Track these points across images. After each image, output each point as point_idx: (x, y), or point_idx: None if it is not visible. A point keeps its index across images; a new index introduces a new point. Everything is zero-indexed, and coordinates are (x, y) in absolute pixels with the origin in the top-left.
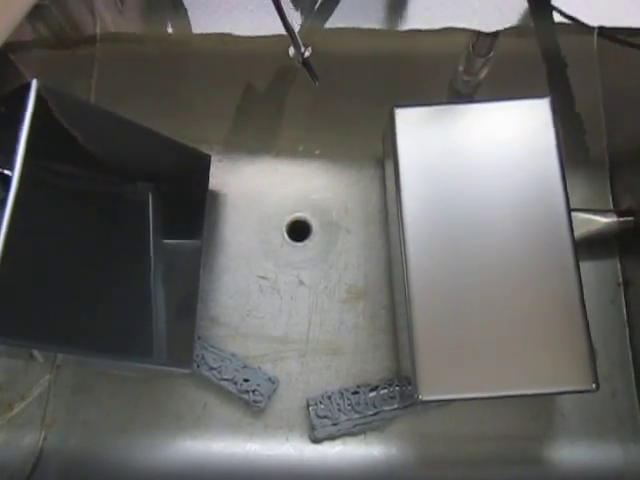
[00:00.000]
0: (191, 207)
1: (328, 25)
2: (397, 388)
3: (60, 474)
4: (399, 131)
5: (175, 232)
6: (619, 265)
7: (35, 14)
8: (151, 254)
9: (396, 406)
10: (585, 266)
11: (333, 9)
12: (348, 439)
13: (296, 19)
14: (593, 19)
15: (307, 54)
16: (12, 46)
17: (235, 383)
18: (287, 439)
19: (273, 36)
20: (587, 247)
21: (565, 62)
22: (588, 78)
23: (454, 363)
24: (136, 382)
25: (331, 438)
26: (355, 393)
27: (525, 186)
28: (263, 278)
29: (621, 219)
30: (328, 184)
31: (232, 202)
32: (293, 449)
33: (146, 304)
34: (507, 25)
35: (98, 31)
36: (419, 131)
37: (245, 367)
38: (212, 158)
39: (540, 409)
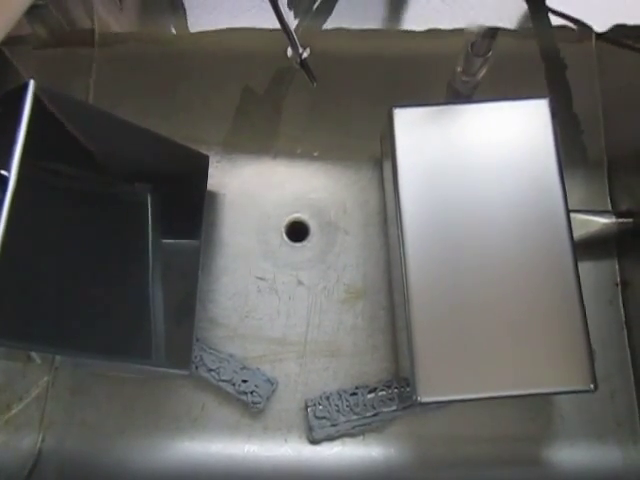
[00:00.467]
0: (189, 208)
1: (326, 25)
2: (396, 389)
3: (58, 475)
4: (397, 131)
5: (173, 233)
6: (617, 266)
7: (33, 14)
8: (149, 255)
9: (395, 407)
10: (584, 267)
11: (331, 9)
12: (347, 440)
13: (294, 19)
14: (591, 20)
15: (305, 55)
16: (10, 46)
17: (233, 384)
18: (286, 440)
19: (272, 36)
20: (586, 248)
21: (564, 63)
22: (587, 79)
23: (453, 364)
24: (134, 383)
25: (330, 439)
26: (354, 394)
27: (524, 187)
28: (261, 279)
29: (619, 220)
30: (327, 185)
31: (231, 203)
32: (292, 450)
33: (144, 305)
34: (506, 25)
35: (96, 31)
36: (418, 131)
37: (243, 368)
38: (210, 159)
39: (539, 410)
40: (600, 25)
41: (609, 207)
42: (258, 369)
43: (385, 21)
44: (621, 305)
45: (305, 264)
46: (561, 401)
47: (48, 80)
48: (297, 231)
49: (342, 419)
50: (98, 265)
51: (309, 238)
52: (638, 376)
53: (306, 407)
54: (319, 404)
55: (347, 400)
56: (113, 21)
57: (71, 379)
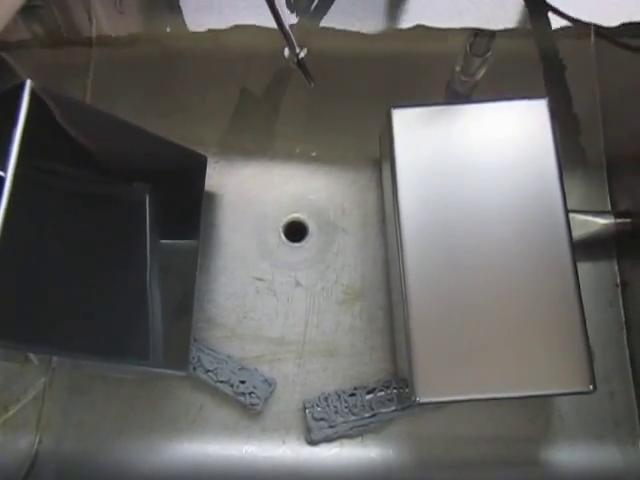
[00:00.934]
0: (188, 208)
1: (324, 25)
2: (394, 390)
3: (55, 477)
4: (396, 132)
5: (172, 233)
6: (617, 266)
7: (31, 14)
8: (147, 255)
9: (393, 408)
10: (583, 267)
11: (328, 9)
12: (345, 441)
13: (291, 19)
14: (590, 18)
15: (302, 55)
16: (7, 46)
17: (231, 385)
18: (284, 441)
19: (269, 36)
20: (585, 248)
21: (563, 63)
22: (586, 79)
23: (451, 365)
24: (132, 384)
25: (328, 440)
26: (352, 395)
27: (523, 187)
28: (260, 279)
29: (619, 220)
30: (325, 185)
31: (229, 203)
32: (290, 451)
33: (142, 305)
34: (504, 25)
35: (94, 31)
36: (416, 132)
37: (241, 369)
38: (208, 159)
39: (538, 411)
40: (599, 24)
41: (608, 207)
42: (256, 370)
43: (383, 21)
44: (621, 306)
45: (303, 264)
46: (560, 401)
47: (45, 80)
48: (295, 231)
49: (340, 420)
50: (95, 265)
51: (307, 238)
52: (637, 377)
53: (304, 408)
54: (317, 405)
55: (345, 401)
56: (111, 21)
57: (68, 380)
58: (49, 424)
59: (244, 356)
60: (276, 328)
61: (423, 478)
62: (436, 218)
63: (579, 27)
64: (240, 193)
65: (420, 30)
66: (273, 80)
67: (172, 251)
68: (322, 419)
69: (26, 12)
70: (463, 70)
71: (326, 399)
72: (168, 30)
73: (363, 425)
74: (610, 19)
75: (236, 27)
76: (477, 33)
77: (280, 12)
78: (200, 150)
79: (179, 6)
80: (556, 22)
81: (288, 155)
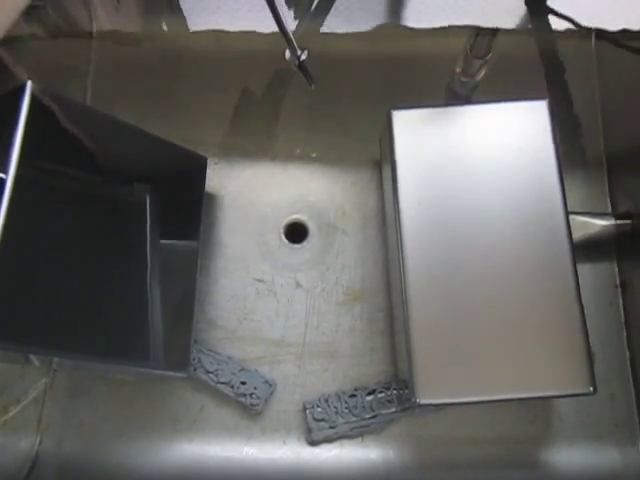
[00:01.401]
0: (188, 209)
1: (324, 27)
2: (394, 391)
3: (56, 477)
4: (396, 133)
5: (172, 234)
6: (617, 268)
7: (31, 14)
8: (148, 256)
9: (393, 409)
10: (583, 269)
11: (329, 10)
12: (345, 442)
13: (292, 21)
14: (591, 22)
15: (303, 57)
16: (7, 46)
17: (232, 386)
18: (284, 442)
19: (270, 38)
20: (585, 250)
21: (563, 64)
22: (586, 80)
23: (452, 366)
24: (133, 385)
25: (328, 441)
26: (352, 396)
27: (523, 188)
28: (260, 281)
29: (619, 222)
30: (325, 186)
31: (229, 204)
32: (290, 452)
33: (143, 307)
34: (505, 27)
35: (94, 31)
36: (416, 133)
37: (242, 370)
38: (209, 160)
39: (538, 412)
40: (599, 26)
41: (608, 209)
42: (256, 371)
43: (383, 22)
44: (621, 307)
45: (304, 265)
46: (560, 403)
47: (45, 80)
48: (296, 232)
49: (341, 421)
50: (96, 266)
51: (308, 239)
52: (637, 378)
53: (305, 409)
54: (318, 406)
55: (346, 402)
56: (112, 21)
57: (69, 381)
58: (50, 425)
59: (244, 357)
60: (276, 329)
61: (423, 479)
62: (436, 219)
63: (580, 29)
64: (240, 194)
65: (420, 32)
66: (274, 81)
67: (172, 252)
68: (322, 420)
69: (26, 12)
70: (463, 71)
71: (326, 400)
72: (169, 31)
73: (363, 426)
74: (611, 24)
75: (237, 28)
76: (478, 34)
77: (281, 14)
78: (200, 151)
79: (180, 7)
80: (557, 23)
81: (289, 156)
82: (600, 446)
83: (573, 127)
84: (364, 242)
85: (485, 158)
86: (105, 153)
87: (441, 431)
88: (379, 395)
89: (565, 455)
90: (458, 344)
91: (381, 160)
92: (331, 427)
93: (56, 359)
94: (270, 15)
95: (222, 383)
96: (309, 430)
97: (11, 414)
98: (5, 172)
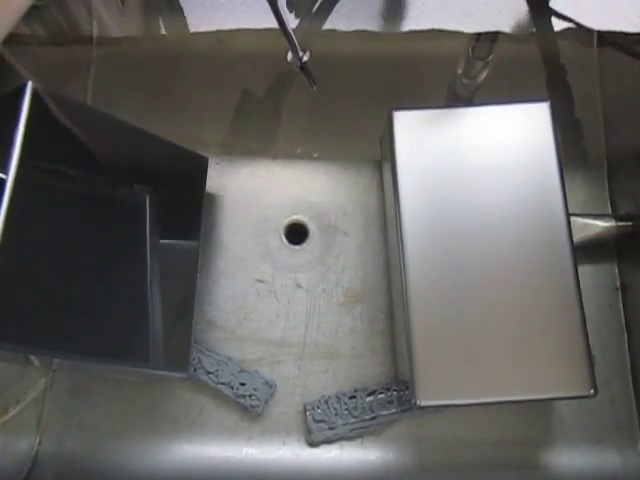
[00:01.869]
0: (188, 209)
1: (326, 27)
2: (395, 393)
3: (56, 478)
4: (397, 134)
5: (172, 234)
6: (617, 270)
7: (33, 14)
8: (148, 256)
9: (394, 411)
10: (583, 270)
11: (330, 11)
12: (345, 443)
13: (294, 21)
14: (593, 24)
15: (305, 58)
16: (8, 45)
17: (232, 387)
18: (284, 443)
19: (271, 37)
20: (585, 252)
21: (565, 66)
22: (587, 83)
23: (452, 368)
24: (132, 385)
25: (328, 442)
26: (352, 397)
27: (524, 190)
28: (260, 281)
29: (619, 224)
30: (326, 187)
31: (229, 204)
32: (290, 453)
33: (142, 307)
34: (507, 29)
35: (95, 31)
36: (418, 134)
37: (242, 371)
38: (209, 160)
39: (538, 414)
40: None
41: (609, 211)
42: (256, 372)
43: (385, 23)
44: (621, 309)
45: (304, 266)
46: (560, 405)
47: (46, 80)
48: (296, 233)
49: (340, 422)
50: (96, 267)
51: (308, 240)
52: (637, 380)
53: (305, 410)
54: (318, 407)
55: (346, 403)
56: (113, 21)
57: (69, 381)
58: (49, 425)
59: (244, 358)
60: (277, 330)
61: None
62: (437, 221)
63: (582, 31)
64: (241, 194)
65: (422, 32)
66: (275, 81)
67: (173, 252)
68: (322, 421)
69: (28, 12)
70: (465, 73)
71: (326, 401)
72: (170, 30)
73: (363, 427)
74: (613, 26)
75: (238, 28)
76: (479, 36)
77: (283, 15)
78: (201, 151)
79: (181, 7)
80: (559, 26)
81: (289, 156)
82: (600, 448)
83: (574, 129)
84: (365, 243)
85: (486, 159)
86: (105, 153)
87: (441, 433)
88: (379, 396)
89: (565, 457)
90: (458, 345)
91: (382, 161)
92: (331, 428)
93: (56, 359)
94: (272, 15)
95: (222, 384)
96: (309, 431)
97: (11, 414)
98: (5, 172)
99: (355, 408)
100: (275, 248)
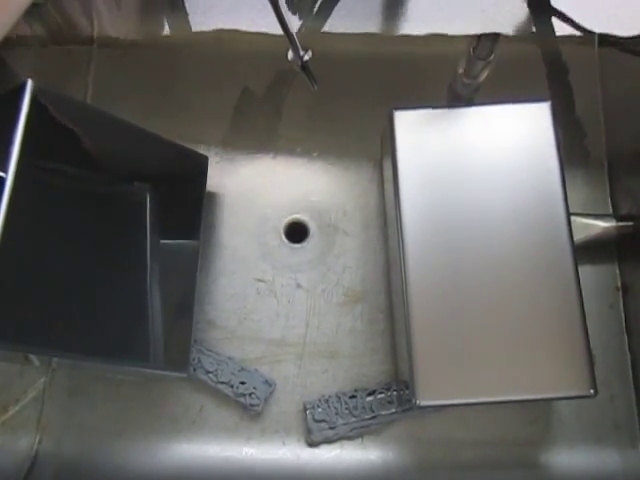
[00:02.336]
0: (188, 208)
1: (327, 27)
2: (395, 392)
3: (55, 477)
4: (398, 133)
5: (172, 233)
6: (618, 270)
7: (32, 13)
8: (148, 255)
9: (394, 410)
10: (584, 270)
11: (331, 11)
12: (345, 443)
13: (295, 22)
14: (594, 25)
15: (306, 58)
16: (8, 45)
17: (231, 386)
18: (284, 443)
19: (272, 36)
20: (586, 252)
21: (566, 66)
22: (588, 82)
23: (452, 368)
24: (132, 385)
25: (328, 442)
26: (352, 397)
27: (524, 190)
28: (260, 281)
29: (620, 224)
30: (326, 186)
31: (229, 203)
32: (290, 453)
33: (142, 306)
34: (508, 29)
35: (95, 30)
36: (418, 134)
37: (242, 370)
38: (210, 159)
39: (538, 414)
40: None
41: (610, 211)
42: (256, 371)
43: (386, 23)
44: (621, 309)
45: (304, 266)
46: (560, 405)
47: (46, 79)
48: (296, 232)
49: (341, 422)
50: (96, 266)
51: (308, 239)
52: (638, 380)
53: (304, 409)
54: (318, 407)
55: (346, 403)
56: (112, 20)
57: (68, 380)
58: (49, 425)
59: (244, 357)
60: (276, 329)
61: None
62: (437, 220)
63: (582, 31)
64: (241, 193)
65: (423, 32)
66: (275, 80)
67: (172, 251)
68: (322, 420)
69: (27, 11)
70: (466, 73)
71: (327, 401)
72: (170, 30)
73: (363, 427)
74: (614, 28)
75: (239, 28)
76: (481, 36)
77: (284, 15)
78: (201, 150)
79: (181, 6)
80: (559, 26)
81: (290, 155)
82: (600, 448)
83: (575, 129)
84: (365, 242)
85: (487, 159)
86: (105, 152)
87: (441, 432)
88: (379, 396)
89: (565, 457)
90: (459, 345)
91: (382, 160)
92: (331, 428)
93: (55, 358)
94: (272, 15)
95: (222, 383)
96: (309, 430)
97: (10, 413)
98: (5, 171)
99: (355, 408)
100: (275, 247)
